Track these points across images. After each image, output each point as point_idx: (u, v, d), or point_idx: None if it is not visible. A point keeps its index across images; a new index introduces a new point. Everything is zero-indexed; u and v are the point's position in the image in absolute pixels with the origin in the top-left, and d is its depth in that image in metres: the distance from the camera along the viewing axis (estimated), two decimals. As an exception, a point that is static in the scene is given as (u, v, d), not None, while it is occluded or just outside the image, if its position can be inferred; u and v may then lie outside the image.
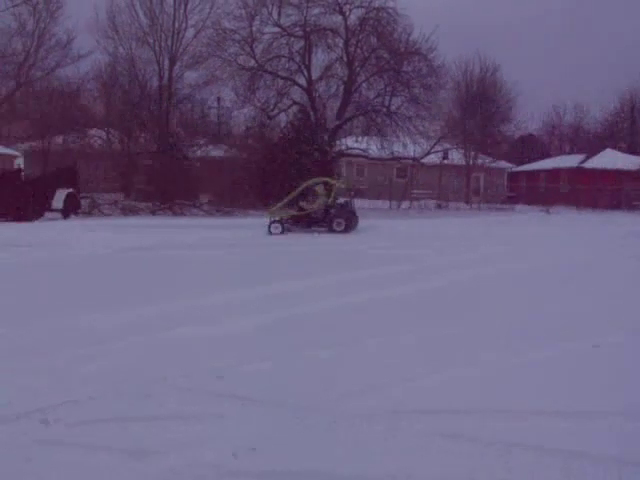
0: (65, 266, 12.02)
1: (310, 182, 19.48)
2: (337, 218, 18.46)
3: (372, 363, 5.70)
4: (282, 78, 31.32)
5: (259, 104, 30.96)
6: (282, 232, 18.02)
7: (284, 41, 31.15)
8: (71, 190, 24.72)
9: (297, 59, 31.46)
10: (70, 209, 24.61)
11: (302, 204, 19.14)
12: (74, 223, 21.65)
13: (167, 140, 29.23)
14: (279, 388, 5.04)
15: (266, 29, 30.78)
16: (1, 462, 3.87)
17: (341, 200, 19.47)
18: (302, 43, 31.23)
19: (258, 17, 30.53)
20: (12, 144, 37.58)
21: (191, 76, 32.13)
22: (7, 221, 22.15)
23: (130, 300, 8.42)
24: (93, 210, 26.04)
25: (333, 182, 19.13)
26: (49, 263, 12.34)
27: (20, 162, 37.75)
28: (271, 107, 31.15)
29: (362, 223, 20.16)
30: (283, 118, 31.88)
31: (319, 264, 12.67)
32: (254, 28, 30.46)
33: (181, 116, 31.19)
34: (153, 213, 26.17)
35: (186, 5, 32.32)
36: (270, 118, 31.31)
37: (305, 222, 18.77)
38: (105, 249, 14.22)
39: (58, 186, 24.42)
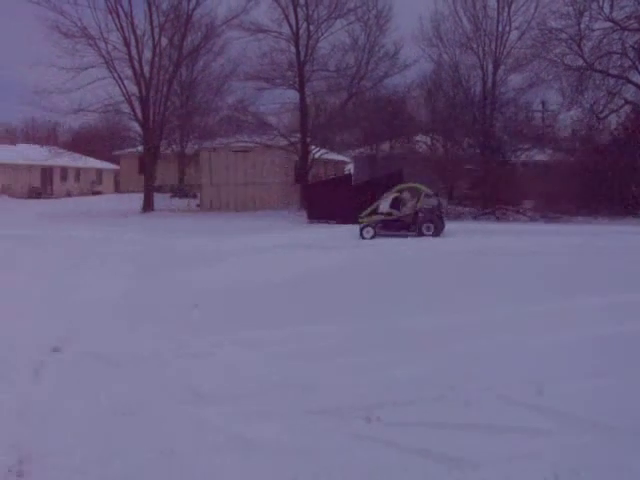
0: (417, 263, 12.98)
1: (398, 187, 20.12)
2: (426, 222, 18.55)
3: None
4: (613, 77, 29.34)
5: (587, 105, 29.49)
6: (373, 236, 18.57)
7: (616, 36, 28.98)
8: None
9: (631, 55, 29.11)
10: (395, 213, 25.86)
11: (390, 209, 19.67)
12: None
13: (490, 144, 29.33)
14: (605, 409, 4.71)
15: (596, 25, 29.03)
16: (322, 450, 4.14)
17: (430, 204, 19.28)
18: (637, 37, 28.93)
19: (587, 13, 28.90)
20: (343, 151, 40.73)
21: (515, 79, 31.85)
22: (337, 223, 24.02)
23: (451, 304, 8.56)
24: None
25: (420, 188, 19.29)
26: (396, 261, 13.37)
27: (350, 168, 40.78)
28: (600, 108, 29.44)
29: None
30: (613, 119, 30.05)
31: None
32: (582, 25, 28.97)
33: (505, 120, 31.00)
34: (475, 218, 26.38)
35: (510, 7, 32.12)
36: (599, 120, 29.68)
37: (395, 226, 19.15)
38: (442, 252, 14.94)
39: (385, 191, 25.81)
